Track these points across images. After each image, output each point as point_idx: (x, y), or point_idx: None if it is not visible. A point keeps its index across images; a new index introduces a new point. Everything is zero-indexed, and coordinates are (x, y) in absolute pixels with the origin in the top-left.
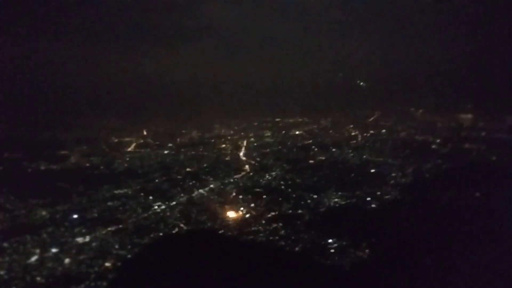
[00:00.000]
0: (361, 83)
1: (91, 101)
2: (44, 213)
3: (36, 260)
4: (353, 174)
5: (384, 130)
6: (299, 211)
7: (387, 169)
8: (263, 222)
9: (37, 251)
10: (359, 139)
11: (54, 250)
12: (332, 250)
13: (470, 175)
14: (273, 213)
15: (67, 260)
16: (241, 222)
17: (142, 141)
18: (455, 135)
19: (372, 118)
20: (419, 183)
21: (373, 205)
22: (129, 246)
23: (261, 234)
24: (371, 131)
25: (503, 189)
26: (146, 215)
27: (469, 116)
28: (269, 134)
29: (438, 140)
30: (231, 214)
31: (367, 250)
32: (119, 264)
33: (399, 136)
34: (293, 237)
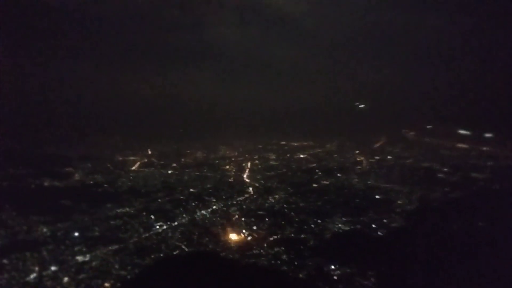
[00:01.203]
0: (360, 105)
1: (97, 119)
2: (45, 230)
3: (35, 277)
4: (358, 200)
5: (390, 156)
6: (303, 236)
7: (393, 196)
8: (266, 245)
9: (36, 268)
10: (364, 164)
11: (53, 268)
12: (336, 277)
13: (477, 204)
14: (275, 237)
15: (66, 279)
16: (243, 245)
17: (146, 160)
18: (462, 163)
19: (378, 144)
20: (425, 211)
21: (379, 232)
22: (130, 267)
23: (263, 258)
24: (377, 157)
25: (509, 219)
26: (147, 235)
27: (477, 145)
28: (273, 157)
29: (445, 169)
30: (233, 236)
31: (372, 279)
32: (118, 284)
33: (405, 162)
34: (296, 262)
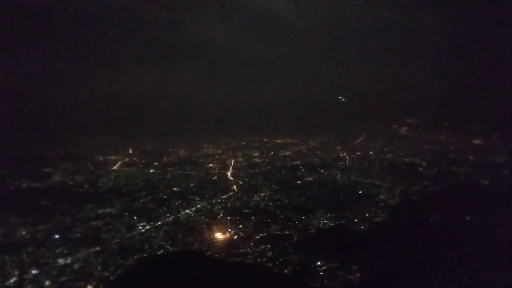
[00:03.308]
0: (342, 99)
1: (76, 117)
2: (24, 232)
3: (15, 281)
4: (341, 195)
5: (371, 152)
6: (287, 232)
7: (375, 191)
8: (251, 243)
9: (16, 272)
10: (347, 160)
11: (34, 271)
12: (321, 273)
13: (457, 197)
14: (261, 234)
15: (47, 282)
16: (228, 243)
17: (127, 159)
18: (442, 158)
19: (359, 140)
20: (407, 205)
21: (362, 227)
22: (112, 268)
23: (249, 256)
24: (358, 153)
25: (490, 212)
26: (130, 235)
27: (457, 138)
28: (257, 154)
29: (424, 163)
30: (219, 235)
31: (357, 274)
32: (101, 286)
33: (386, 157)
34: (281, 259)
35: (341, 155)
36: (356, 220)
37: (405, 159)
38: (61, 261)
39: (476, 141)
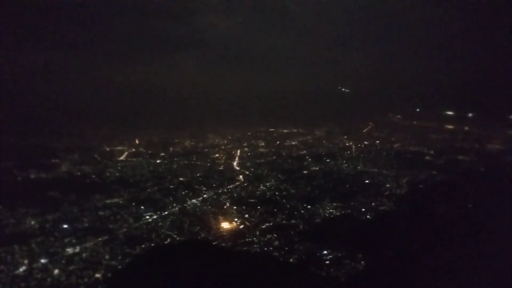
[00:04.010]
0: (343, 89)
1: (83, 109)
2: (33, 222)
3: (25, 270)
4: (347, 185)
5: (378, 141)
6: (294, 222)
7: (381, 180)
8: (257, 233)
9: (26, 261)
10: (353, 149)
11: (43, 260)
12: (327, 262)
13: (463, 186)
14: (267, 224)
15: (56, 271)
16: (234, 233)
17: (134, 150)
18: (448, 146)
19: (366, 129)
20: (413, 194)
21: (368, 216)
22: (120, 257)
23: (255, 245)
24: (365, 142)
25: (495, 200)
26: (137, 225)
27: (463, 127)
28: (263, 144)
29: (431, 151)
30: (225, 224)
31: (362, 262)
32: (109, 275)
33: (393, 147)
34: (287, 248)
35: (347, 144)
36: (362, 209)
37: (412, 148)
38: (69, 250)
39: (480, 131)
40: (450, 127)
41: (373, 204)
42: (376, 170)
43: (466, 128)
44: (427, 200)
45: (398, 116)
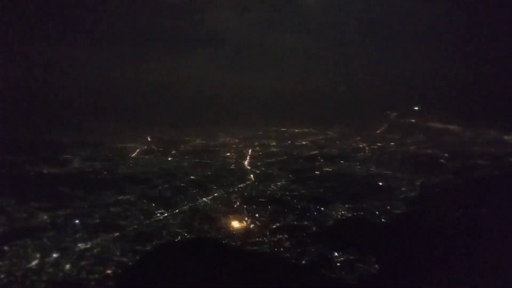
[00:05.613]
0: (342, 90)
1: (95, 105)
2: (45, 217)
3: (36, 264)
4: (360, 187)
5: (392, 143)
6: (305, 223)
7: (395, 183)
8: (268, 233)
9: (38, 255)
10: (366, 151)
11: (54, 255)
12: (339, 264)
13: (479, 190)
14: (278, 224)
15: (67, 266)
16: (245, 232)
17: (146, 147)
18: (463, 150)
19: (379, 131)
20: (428, 197)
21: (382, 219)
22: (130, 253)
23: (265, 245)
24: (378, 144)
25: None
26: (148, 222)
27: (479, 131)
28: (274, 143)
29: (446, 155)
30: (235, 223)
31: (375, 265)
32: (119, 271)
33: (407, 149)
34: (298, 249)
35: (360, 146)
36: (376, 212)
37: (427, 151)
38: (80, 245)
39: (496, 135)
40: (465, 130)
41: (387, 207)
42: (389, 172)
43: (481, 131)
44: (441, 204)
45: (412, 120)
